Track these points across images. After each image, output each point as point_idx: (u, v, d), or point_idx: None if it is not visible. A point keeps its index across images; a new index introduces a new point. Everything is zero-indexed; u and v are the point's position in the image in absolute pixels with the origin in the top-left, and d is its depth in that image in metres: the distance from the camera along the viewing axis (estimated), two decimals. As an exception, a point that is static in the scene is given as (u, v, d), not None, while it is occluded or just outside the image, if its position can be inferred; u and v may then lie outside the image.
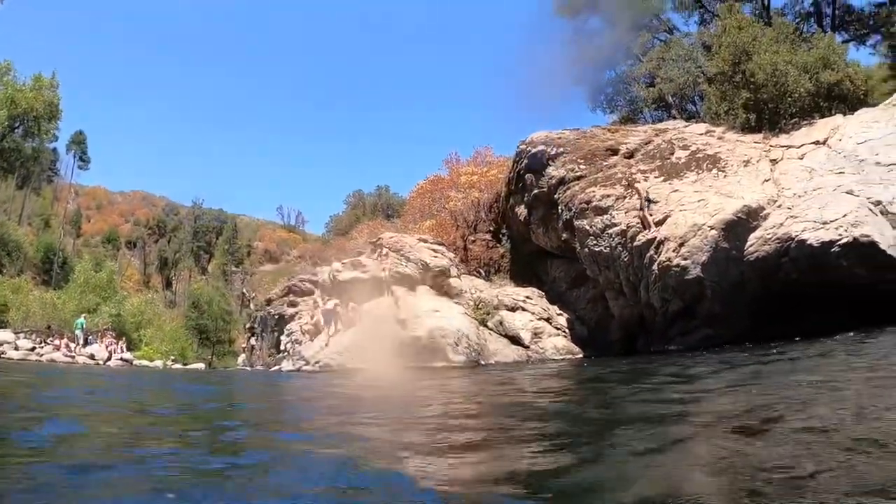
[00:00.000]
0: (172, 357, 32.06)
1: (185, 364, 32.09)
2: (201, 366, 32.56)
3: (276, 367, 21.11)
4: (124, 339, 30.33)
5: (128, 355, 28.06)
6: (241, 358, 34.58)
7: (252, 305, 53.86)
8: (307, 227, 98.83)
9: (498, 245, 24.60)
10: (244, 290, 66.16)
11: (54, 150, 63.71)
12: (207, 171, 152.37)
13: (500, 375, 13.17)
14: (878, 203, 14.55)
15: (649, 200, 17.07)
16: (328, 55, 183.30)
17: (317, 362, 16.70)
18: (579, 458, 4.07)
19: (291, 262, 76.51)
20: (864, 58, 26.62)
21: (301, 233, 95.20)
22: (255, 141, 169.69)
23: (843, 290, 13.65)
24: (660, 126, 22.93)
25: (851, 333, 11.84)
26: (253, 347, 29.27)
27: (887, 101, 18.05)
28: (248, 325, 34.50)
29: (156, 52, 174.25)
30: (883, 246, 13.58)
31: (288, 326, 23.06)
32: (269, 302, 27.59)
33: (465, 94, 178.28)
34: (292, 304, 24.44)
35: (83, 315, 29.65)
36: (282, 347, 22.89)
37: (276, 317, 24.96)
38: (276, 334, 24.63)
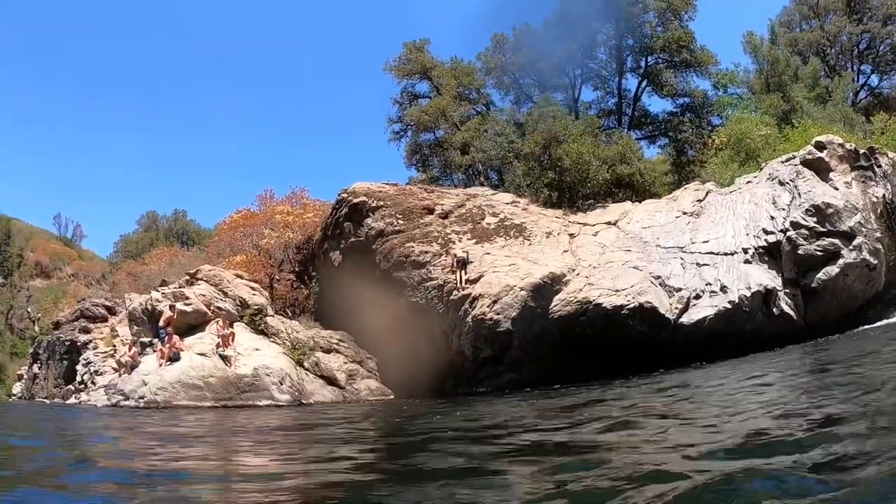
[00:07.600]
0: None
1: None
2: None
3: (76, 401, 19.18)
4: None
5: None
6: (18, 387, 31.22)
7: (37, 328, 47.44)
8: (85, 242, 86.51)
9: (303, 286, 24.64)
10: (28, 309, 58.07)
11: None
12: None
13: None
14: (657, 277, 17.71)
15: (465, 262, 18.59)
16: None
17: (141, 397, 15.51)
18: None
19: (65, 280, 67.15)
20: (653, 152, 31.19)
21: (77, 248, 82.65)
22: (34, 137, 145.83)
23: (629, 341, 16.62)
24: (470, 191, 24.81)
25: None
26: (36, 376, 26.48)
27: (668, 196, 21.50)
28: (31, 351, 31.02)
29: None
30: (662, 310, 16.90)
31: (84, 356, 21.19)
32: (57, 325, 25.19)
33: (282, 130, 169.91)
34: (85, 331, 22.55)
35: None
36: (78, 378, 20.98)
37: (67, 343, 22.88)
38: (65, 363, 22.57)
